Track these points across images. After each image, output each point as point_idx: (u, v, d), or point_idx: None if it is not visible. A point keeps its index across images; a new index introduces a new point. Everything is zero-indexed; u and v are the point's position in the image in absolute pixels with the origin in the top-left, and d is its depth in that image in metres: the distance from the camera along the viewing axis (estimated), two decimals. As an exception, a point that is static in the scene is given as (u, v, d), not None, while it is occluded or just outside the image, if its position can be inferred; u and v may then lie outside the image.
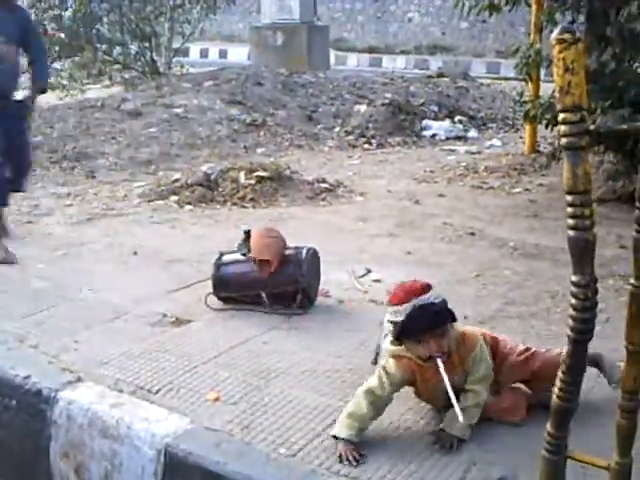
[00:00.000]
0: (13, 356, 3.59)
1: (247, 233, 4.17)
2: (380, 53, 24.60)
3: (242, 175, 6.63)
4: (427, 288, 2.84)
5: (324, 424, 2.96)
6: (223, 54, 28.61)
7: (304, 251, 4.10)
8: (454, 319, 2.84)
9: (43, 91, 5.67)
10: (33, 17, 12.73)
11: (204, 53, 27.86)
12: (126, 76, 13.12)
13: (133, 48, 13.53)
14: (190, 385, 3.29)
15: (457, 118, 10.27)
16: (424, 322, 2.77)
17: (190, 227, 5.74)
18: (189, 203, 6.35)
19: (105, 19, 13.30)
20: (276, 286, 3.98)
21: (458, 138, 9.67)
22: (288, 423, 2.98)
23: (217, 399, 3.17)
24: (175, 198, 6.46)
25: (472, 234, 5.50)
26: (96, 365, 3.48)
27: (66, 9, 13.03)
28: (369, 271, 4.68)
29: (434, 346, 2.77)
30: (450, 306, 2.84)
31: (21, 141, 5.56)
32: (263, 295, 3.98)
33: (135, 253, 5.08)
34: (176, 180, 6.79)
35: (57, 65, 13.14)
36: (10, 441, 3.39)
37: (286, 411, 3.07)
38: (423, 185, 7.18)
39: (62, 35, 13.02)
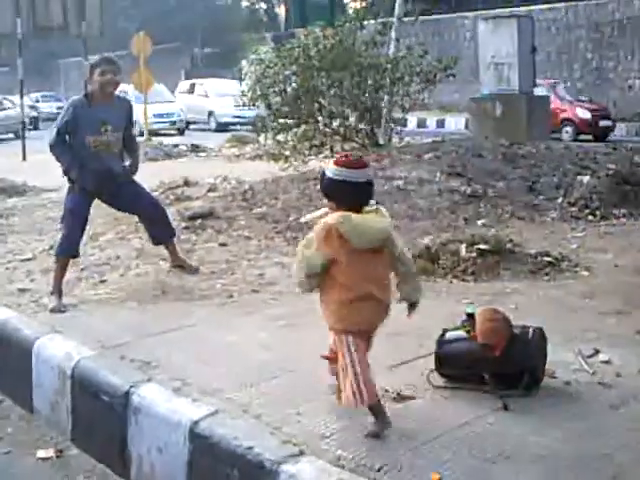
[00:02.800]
0: (236, 426, 3.66)
1: (471, 315, 4.10)
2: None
3: (463, 248, 6.56)
4: None
5: (552, 515, 2.83)
6: (440, 123, 28.85)
7: (531, 331, 3.98)
8: None
9: (134, 172, 6.44)
10: (258, 92, 13.46)
11: (422, 123, 28.20)
12: (347, 148, 13.37)
13: (353, 120, 13.81)
14: (412, 464, 3.23)
15: (687, 188, 9.77)
16: (367, 194, 3.67)
17: (410, 300, 5.70)
18: (410, 276, 6.32)
19: (326, 92, 13.66)
20: (501, 367, 3.87)
21: (688, 209, 9.18)
22: (513, 511, 2.87)
23: (439, 480, 3.09)
24: (395, 270, 6.46)
25: None
26: (317, 438, 3.49)
27: (290, 84, 13.53)
28: (597, 351, 4.47)
29: None
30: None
31: (144, 195, 6.54)
32: (486, 376, 3.87)
33: (356, 325, 5.09)
34: (396, 252, 6.80)
35: (280, 137, 13.60)
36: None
37: (511, 498, 2.96)
38: (652, 259, 6.85)
39: (285, 108, 13.50)
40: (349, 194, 3.64)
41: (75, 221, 6.14)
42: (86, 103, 6.08)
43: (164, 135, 26.71)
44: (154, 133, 24.78)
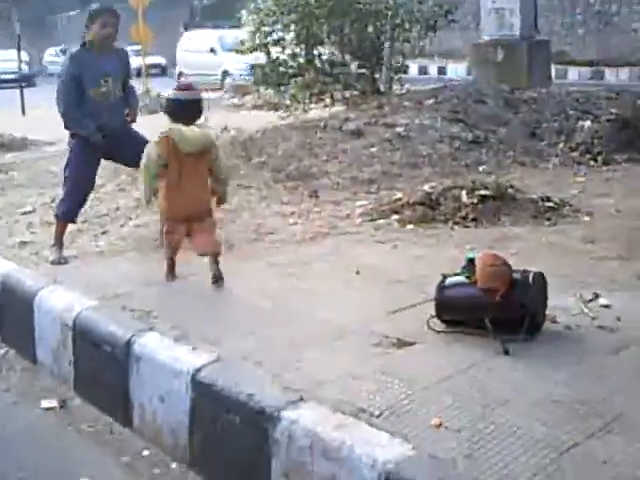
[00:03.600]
0: (238, 373, 3.68)
1: (471, 261, 4.09)
2: (602, 66, 23.81)
3: (464, 194, 6.53)
4: None
5: (551, 457, 2.83)
6: (442, 70, 28.62)
7: (531, 275, 3.97)
8: None
9: (134, 120, 6.34)
10: (257, 41, 13.32)
11: (423, 70, 27.99)
12: (347, 95, 13.29)
13: (353, 68, 13.69)
14: (412, 410, 3.24)
15: (686, 131, 9.71)
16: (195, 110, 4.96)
17: (411, 247, 5.71)
18: (410, 222, 6.32)
19: (326, 40, 13.53)
20: (502, 311, 3.87)
21: (690, 152, 9.13)
22: (513, 454, 2.87)
23: (440, 425, 3.10)
24: (397, 217, 6.46)
25: None
26: (318, 385, 3.50)
27: (289, 32, 13.39)
28: (597, 296, 4.46)
29: None
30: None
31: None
32: (487, 321, 3.87)
33: (357, 272, 5.10)
34: (398, 199, 6.79)
35: (280, 86, 13.51)
36: (233, 456, 3.46)
37: (511, 442, 2.96)
38: (653, 204, 6.82)
39: (285, 57, 13.38)
40: (180, 110, 4.93)
41: (80, 184, 6.05)
42: (87, 54, 5.97)
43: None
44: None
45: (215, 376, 3.65)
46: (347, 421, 3.17)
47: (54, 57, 44.81)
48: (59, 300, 4.83)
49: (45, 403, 4.41)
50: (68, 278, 5.26)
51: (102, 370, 4.28)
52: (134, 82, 6.70)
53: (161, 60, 39.03)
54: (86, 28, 6.02)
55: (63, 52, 46.22)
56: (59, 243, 5.92)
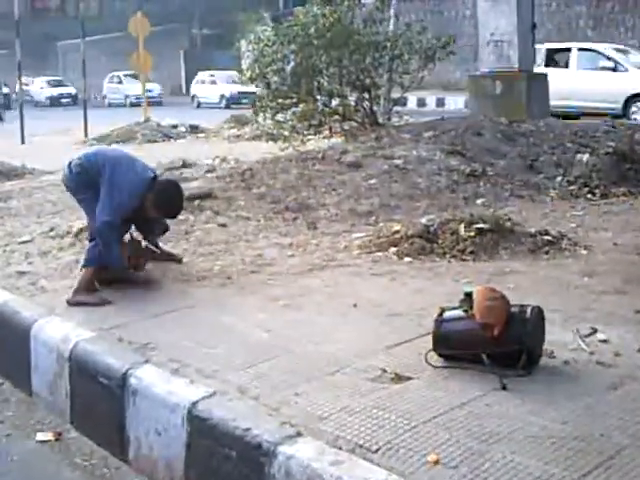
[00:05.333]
0: (234, 407, 3.66)
1: (468, 295, 4.09)
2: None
3: (462, 227, 6.54)
4: None
5: (550, 495, 2.82)
6: (440, 102, 28.78)
7: (529, 310, 3.97)
8: None
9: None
10: (257, 71, 13.35)
11: (422, 102, 28.14)
12: (346, 127, 13.33)
13: (352, 99, 13.74)
14: (410, 445, 3.23)
15: (687, 166, 9.75)
16: None
17: (409, 280, 5.70)
18: (408, 255, 6.32)
19: (325, 71, 13.59)
20: (499, 346, 3.86)
21: (688, 187, 9.17)
22: (511, 492, 2.87)
23: (437, 462, 3.09)
24: (394, 250, 6.45)
25: None
26: (316, 420, 3.49)
27: (288, 62, 13.45)
28: (595, 330, 4.46)
29: None
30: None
31: None
32: (484, 356, 3.86)
33: (355, 305, 5.10)
34: (396, 232, 6.79)
35: (280, 117, 13.55)
36: (231, 492, 3.44)
37: (508, 479, 2.95)
38: (651, 238, 6.84)
39: (284, 87, 13.44)
40: None
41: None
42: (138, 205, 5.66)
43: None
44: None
45: (211, 410, 3.64)
46: (344, 457, 3.16)
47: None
48: (56, 331, 4.82)
49: (40, 436, 4.39)
50: (65, 309, 5.25)
51: (98, 403, 4.26)
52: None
53: (71, 90, 45.19)
54: (145, 196, 5.66)
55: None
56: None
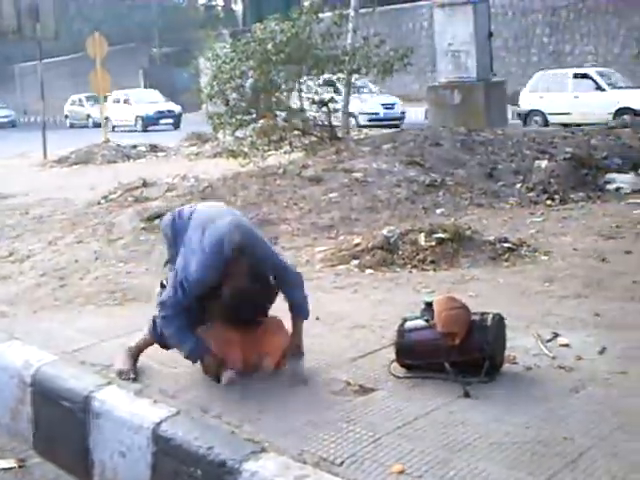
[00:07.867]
0: (197, 426, 3.64)
1: (429, 304, 4.11)
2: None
3: (422, 237, 6.58)
4: None
5: (514, 501, 2.83)
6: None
7: (489, 317, 3.99)
8: None
9: None
10: (215, 89, 13.31)
11: (382, 114, 28.16)
12: (306, 142, 13.36)
13: (311, 114, 13.78)
14: (374, 457, 3.22)
15: (642, 170, 9.89)
16: None
17: (371, 291, 5.72)
18: (370, 267, 6.35)
19: (284, 86, 13.62)
20: (461, 354, 3.88)
21: (644, 191, 9.29)
22: (476, 499, 2.87)
23: (402, 472, 3.08)
24: (356, 262, 6.48)
25: (666, 293, 5.22)
26: (279, 435, 3.47)
27: (247, 79, 13.47)
28: (557, 335, 4.50)
29: None
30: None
31: None
32: (446, 365, 3.88)
33: (317, 318, 5.08)
34: (357, 244, 6.82)
35: (239, 133, 13.54)
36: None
37: (474, 486, 2.96)
38: (610, 242, 6.91)
39: (243, 104, 13.44)
40: None
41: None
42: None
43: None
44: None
45: (175, 430, 3.61)
46: (308, 471, 3.15)
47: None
48: (16, 356, 4.75)
49: (3, 463, 4.31)
50: (26, 333, 5.19)
51: (62, 427, 4.21)
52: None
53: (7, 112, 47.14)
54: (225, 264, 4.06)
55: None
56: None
